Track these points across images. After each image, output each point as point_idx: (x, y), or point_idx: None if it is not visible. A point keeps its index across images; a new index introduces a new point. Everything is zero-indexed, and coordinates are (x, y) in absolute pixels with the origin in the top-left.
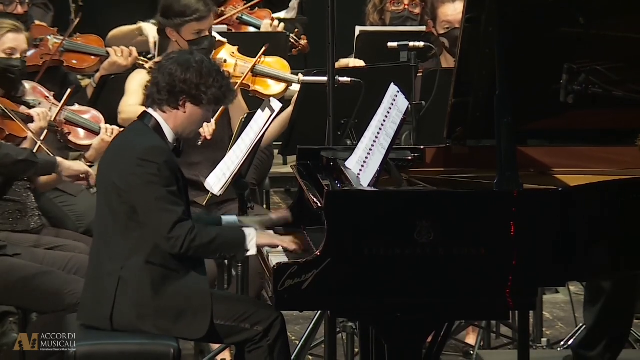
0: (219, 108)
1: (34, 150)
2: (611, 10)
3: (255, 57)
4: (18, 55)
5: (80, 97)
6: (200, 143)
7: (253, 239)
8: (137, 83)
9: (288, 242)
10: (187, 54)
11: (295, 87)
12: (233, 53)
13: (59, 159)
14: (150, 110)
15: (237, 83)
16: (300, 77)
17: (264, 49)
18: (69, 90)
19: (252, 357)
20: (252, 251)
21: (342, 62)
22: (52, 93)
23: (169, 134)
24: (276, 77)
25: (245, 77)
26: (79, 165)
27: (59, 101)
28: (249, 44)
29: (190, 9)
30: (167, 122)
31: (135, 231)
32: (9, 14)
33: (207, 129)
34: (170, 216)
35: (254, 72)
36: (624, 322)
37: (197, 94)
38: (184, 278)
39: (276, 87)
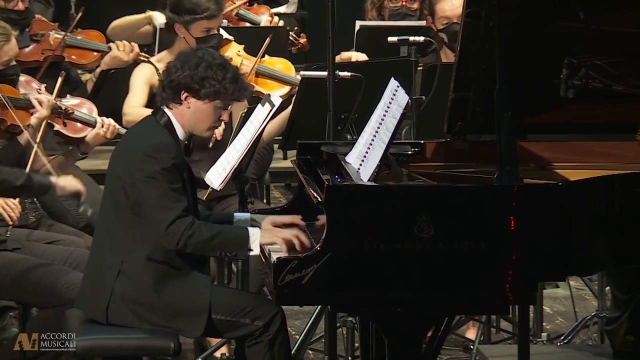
0: (228, 103)
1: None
2: (611, 5)
3: (259, 56)
4: (14, 63)
5: (80, 91)
6: (211, 145)
7: (257, 238)
8: (141, 78)
9: (290, 237)
10: (190, 51)
11: None
12: (239, 52)
13: (53, 178)
14: (163, 107)
15: None
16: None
17: (267, 41)
18: (59, 80)
19: (252, 352)
20: (255, 251)
21: (345, 56)
22: (44, 85)
23: (180, 132)
24: (279, 79)
25: (248, 76)
26: (73, 185)
27: (51, 93)
28: (249, 39)
29: (200, 7)
30: (177, 119)
31: (139, 226)
32: (10, 10)
33: (218, 130)
34: (170, 213)
35: (257, 72)
36: None
37: (194, 87)
38: (185, 277)
39: (280, 89)
